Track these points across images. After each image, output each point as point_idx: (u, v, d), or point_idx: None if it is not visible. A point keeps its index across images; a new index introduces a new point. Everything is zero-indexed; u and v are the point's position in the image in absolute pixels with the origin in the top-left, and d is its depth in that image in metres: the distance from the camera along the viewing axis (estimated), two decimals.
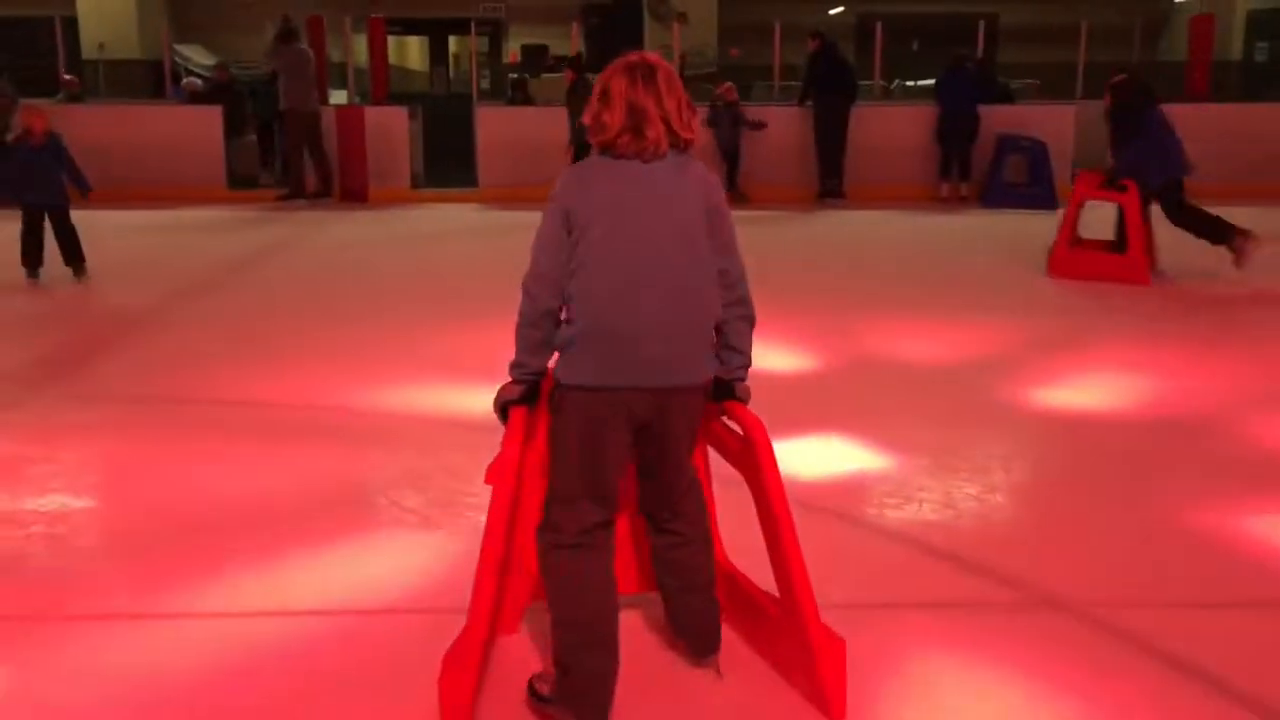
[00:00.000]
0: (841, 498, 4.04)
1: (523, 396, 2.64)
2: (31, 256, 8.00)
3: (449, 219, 11.92)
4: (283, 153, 13.35)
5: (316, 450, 4.57)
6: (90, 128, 11.75)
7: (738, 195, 12.78)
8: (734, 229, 2.69)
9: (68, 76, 14.29)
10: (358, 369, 5.79)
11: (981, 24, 14.23)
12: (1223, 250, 7.79)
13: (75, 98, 14.16)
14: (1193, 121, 13.35)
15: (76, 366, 6.02)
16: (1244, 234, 7.69)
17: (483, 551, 2.54)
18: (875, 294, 7.81)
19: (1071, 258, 8.23)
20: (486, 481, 2.56)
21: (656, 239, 2.54)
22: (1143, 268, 7.89)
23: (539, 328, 2.58)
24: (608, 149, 2.60)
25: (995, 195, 12.57)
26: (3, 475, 4.29)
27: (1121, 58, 16.55)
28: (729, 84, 13.21)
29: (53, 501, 4.03)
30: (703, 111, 12.75)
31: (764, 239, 9.51)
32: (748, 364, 2.73)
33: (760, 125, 12.74)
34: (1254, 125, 13.30)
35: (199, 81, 14.72)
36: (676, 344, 2.55)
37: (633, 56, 2.63)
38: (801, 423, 4.72)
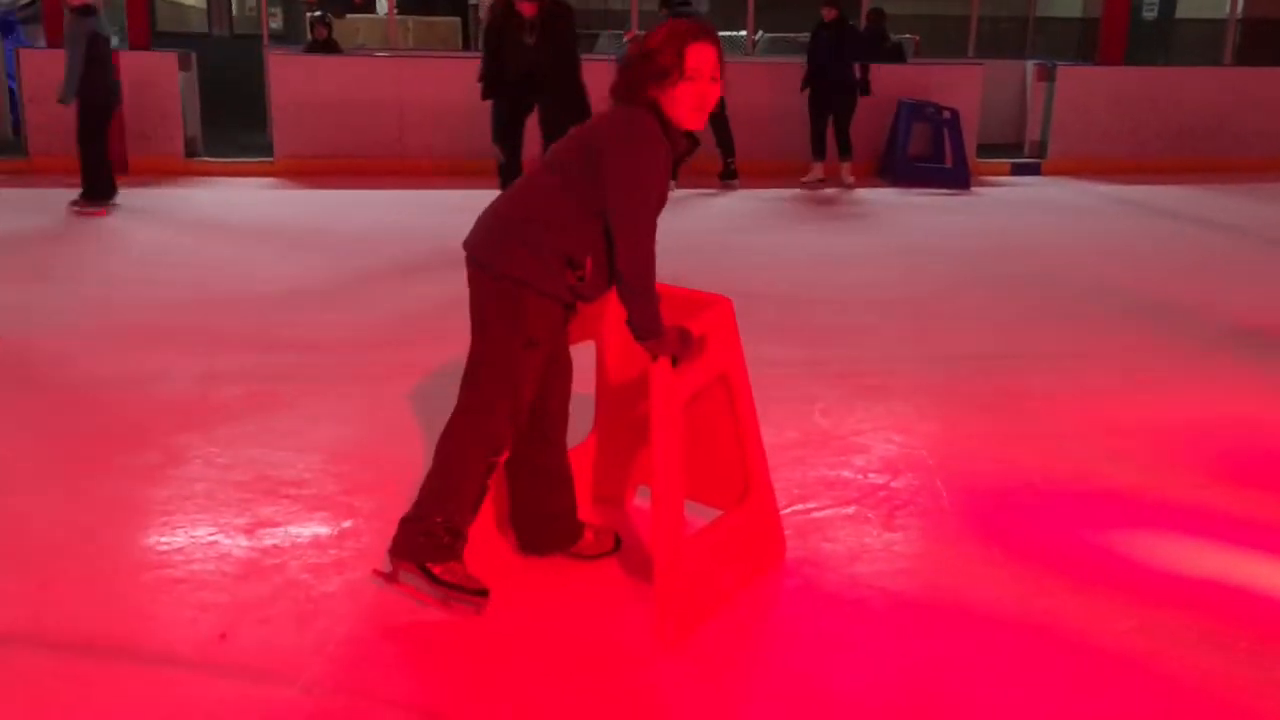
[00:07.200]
0: None
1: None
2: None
3: (226, 202, 9.20)
4: None
5: None
6: None
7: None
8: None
9: None
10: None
11: None
12: None
13: None
14: (1107, 88, 11.93)
15: None
16: None
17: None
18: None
19: None
20: None
21: None
22: None
23: None
24: None
25: (900, 171, 10.73)
26: None
27: (1009, 11, 15.02)
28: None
29: None
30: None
31: None
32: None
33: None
34: (1174, 91, 11.83)
35: None
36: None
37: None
38: None
